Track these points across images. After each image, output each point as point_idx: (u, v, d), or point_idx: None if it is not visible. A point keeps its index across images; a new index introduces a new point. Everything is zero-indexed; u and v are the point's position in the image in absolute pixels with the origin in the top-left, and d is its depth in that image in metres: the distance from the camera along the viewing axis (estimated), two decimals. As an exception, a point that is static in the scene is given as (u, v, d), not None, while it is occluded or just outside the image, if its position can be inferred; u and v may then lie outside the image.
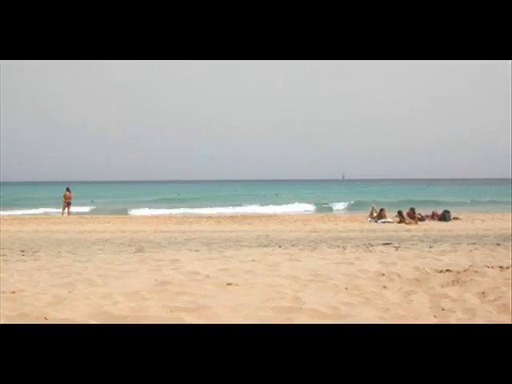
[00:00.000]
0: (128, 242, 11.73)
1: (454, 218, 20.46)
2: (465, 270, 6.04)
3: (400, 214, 18.94)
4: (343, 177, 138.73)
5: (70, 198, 26.78)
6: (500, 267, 6.27)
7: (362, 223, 18.87)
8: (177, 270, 6.57)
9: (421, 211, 20.51)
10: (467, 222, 18.93)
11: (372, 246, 9.90)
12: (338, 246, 9.81)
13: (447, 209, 21.43)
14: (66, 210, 26.67)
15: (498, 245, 9.70)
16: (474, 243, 10.20)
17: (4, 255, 8.72)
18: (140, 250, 9.70)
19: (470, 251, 8.52)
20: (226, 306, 4.57)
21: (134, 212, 31.41)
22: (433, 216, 20.74)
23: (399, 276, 5.92)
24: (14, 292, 5.16)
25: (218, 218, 22.81)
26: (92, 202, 40.82)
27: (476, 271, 5.97)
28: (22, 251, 9.47)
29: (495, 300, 4.76)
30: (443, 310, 4.56)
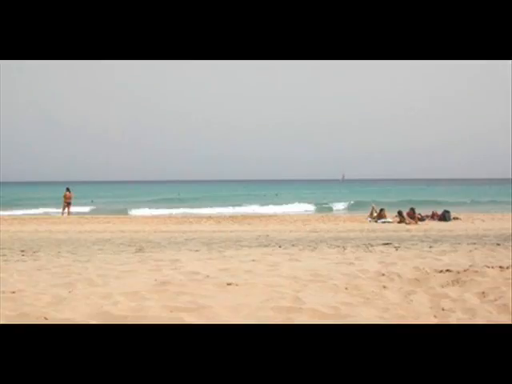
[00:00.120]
0: (128, 241, 11.73)
1: (454, 218, 20.46)
2: (465, 270, 6.04)
3: (400, 213, 18.94)
4: (343, 177, 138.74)
5: (70, 197, 26.79)
6: (500, 267, 6.27)
7: (361, 223, 18.87)
8: (177, 270, 6.57)
9: (421, 211, 20.51)
10: (467, 222, 18.93)
11: (372, 245, 9.89)
12: (338, 246, 9.81)
13: (447, 209, 21.43)
14: (66, 209, 26.67)
15: (498, 245, 9.70)
16: (474, 243, 10.20)
17: (4, 255, 8.72)
18: (140, 249, 9.70)
19: (470, 251, 8.52)
20: (226, 305, 4.57)
21: (134, 212, 31.41)
22: (433, 216, 20.74)
23: (399, 276, 5.92)
24: (14, 292, 5.16)
25: (218, 218, 22.81)
26: (92, 202, 40.81)
27: (476, 271, 5.97)
28: (22, 251, 9.47)
29: (495, 300, 4.76)
30: (443, 310, 4.56)
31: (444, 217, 20.28)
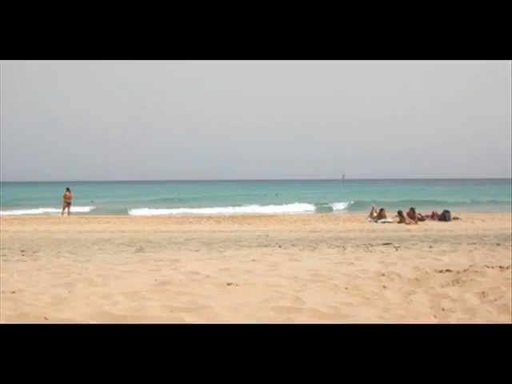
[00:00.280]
0: (128, 241, 11.73)
1: (454, 218, 20.46)
2: (465, 270, 6.04)
3: (400, 213, 18.94)
4: (343, 177, 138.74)
5: (70, 197, 26.79)
6: (500, 267, 6.27)
7: (362, 223, 18.87)
8: (177, 270, 6.57)
9: (421, 211, 20.51)
10: (467, 222, 18.93)
11: (372, 245, 9.90)
12: (338, 246, 9.81)
13: (447, 209, 21.43)
14: (66, 209, 26.67)
15: (498, 245, 9.70)
16: (474, 243, 10.20)
17: (4, 255, 8.72)
18: (140, 249, 9.70)
19: (470, 251, 8.52)
20: (225, 305, 4.57)
21: (134, 212, 31.41)
22: (433, 216, 20.74)
23: (399, 276, 5.92)
24: (14, 292, 5.16)
25: (218, 218, 22.81)
26: (92, 202, 40.81)
27: (476, 271, 5.97)
28: (22, 251, 9.47)
29: (495, 300, 4.76)
30: (443, 310, 4.56)
31: (444, 217, 20.28)
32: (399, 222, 18.51)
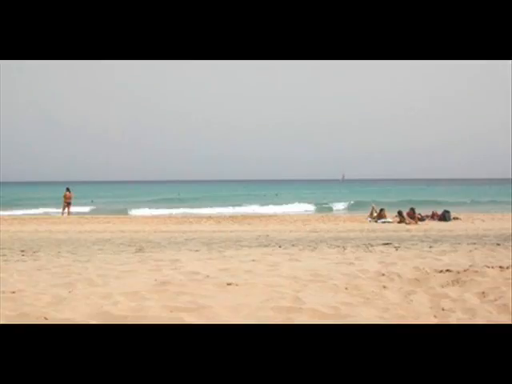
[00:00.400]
0: (128, 242, 11.73)
1: (454, 218, 20.46)
2: (465, 270, 6.04)
3: (400, 213, 18.94)
4: (343, 177, 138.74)
5: (70, 198, 26.79)
6: (500, 267, 6.27)
7: (362, 223, 18.87)
8: (177, 270, 6.57)
9: (421, 211, 20.51)
10: (467, 222, 18.93)
11: (372, 245, 9.90)
12: (338, 246, 9.81)
13: (447, 209, 21.43)
14: (66, 209, 26.68)
15: (498, 245, 9.70)
16: (474, 243, 10.20)
17: (4, 255, 8.72)
18: (140, 249, 9.70)
19: (470, 251, 8.52)
20: (226, 305, 4.57)
21: (134, 212, 31.40)
22: (433, 216, 20.74)
23: (399, 276, 5.92)
24: (14, 292, 5.16)
25: (218, 218, 22.81)
26: (92, 202, 40.81)
27: (476, 271, 5.97)
28: (22, 251, 9.47)
29: (495, 300, 4.76)
30: (443, 310, 4.56)
31: (444, 217, 20.28)
32: (399, 222, 18.51)
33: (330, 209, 35.69)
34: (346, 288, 5.36)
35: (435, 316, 4.40)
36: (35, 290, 5.32)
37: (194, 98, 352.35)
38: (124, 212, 30.92)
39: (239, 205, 37.14)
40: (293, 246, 10.19)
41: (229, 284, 5.50)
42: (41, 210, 32.98)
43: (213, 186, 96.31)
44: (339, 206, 36.99)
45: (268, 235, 13.43)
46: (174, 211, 31.50)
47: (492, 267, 6.29)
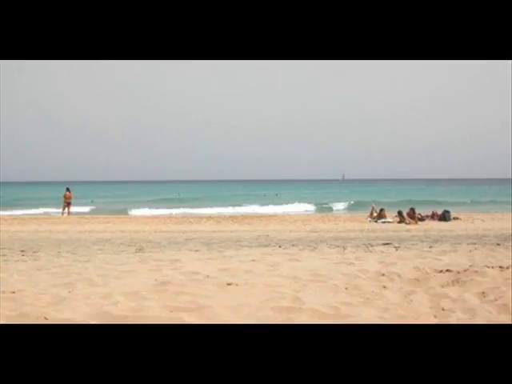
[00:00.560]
0: (128, 242, 11.73)
1: (454, 218, 20.46)
2: (465, 270, 6.04)
3: (400, 213, 18.94)
4: (343, 177, 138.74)
5: (70, 197, 26.79)
6: (500, 267, 6.27)
7: (362, 223, 18.87)
8: (177, 270, 6.57)
9: (421, 211, 20.51)
10: (467, 222, 18.93)
11: (372, 245, 9.90)
12: (338, 246, 9.81)
13: (447, 209, 21.43)
14: (66, 209, 26.68)
15: (498, 245, 9.70)
16: (474, 243, 10.20)
17: (4, 255, 8.72)
18: (140, 250, 9.70)
19: (470, 251, 8.52)
20: (226, 305, 4.57)
21: (134, 212, 31.40)
22: (433, 216, 20.74)
23: (399, 276, 5.92)
24: (14, 292, 5.16)
25: (218, 218, 22.81)
26: (92, 202, 40.81)
27: (476, 271, 5.97)
28: (22, 251, 9.47)
29: (495, 300, 4.76)
30: (443, 310, 4.56)
31: (444, 217, 20.28)
32: (399, 222, 18.51)
33: (330, 209, 35.69)
34: (346, 288, 5.36)
35: (435, 316, 4.40)
36: (35, 289, 5.32)
37: (193, 97, 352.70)
38: (124, 212, 30.92)
39: (239, 205, 37.14)
40: (293, 245, 10.19)
41: (229, 284, 5.50)
42: (41, 210, 32.98)
43: (213, 186, 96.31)
44: (339, 206, 36.99)
45: (268, 235, 13.43)
46: (174, 211, 31.50)
47: (492, 267, 6.29)
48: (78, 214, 27.42)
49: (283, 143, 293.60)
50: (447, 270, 6.06)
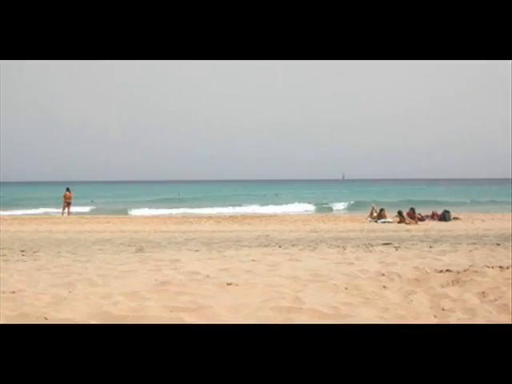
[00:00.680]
0: (128, 241, 11.73)
1: (454, 218, 20.46)
2: (465, 270, 6.04)
3: (400, 213, 18.94)
4: (343, 177, 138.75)
5: (70, 197, 26.79)
6: (500, 267, 6.27)
7: (362, 223, 18.87)
8: (177, 270, 6.57)
9: (421, 211, 20.51)
10: (467, 222, 18.93)
11: (372, 245, 9.90)
12: (338, 246, 9.81)
13: (447, 209, 21.43)
14: (66, 209, 26.68)
15: (498, 245, 9.70)
16: (474, 243, 10.20)
17: (4, 255, 8.72)
18: (140, 249, 9.70)
19: (470, 251, 8.52)
20: (226, 305, 4.57)
21: (134, 212, 31.41)
22: (433, 216, 20.74)
23: (399, 276, 5.92)
24: (14, 292, 5.16)
25: (218, 218, 22.81)
26: (92, 202, 40.81)
27: (476, 271, 5.97)
28: (22, 251, 9.47)
29: (495, 300, 4.76)
30: (443, 310, 4.56)
31: (444, 217, 20.28)
32: (399, 222, 18.51)
33: (330, 209, 35.69)
34: (346, 288, 5.36)
35: (435, 316, 4.40)
36: (35, 289, 5.32)
37: (193, 97, 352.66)
38: (124, 212, 30.93)
39: (239, 205, 37.14)
40: (293, 245, 10.19)
41: (229, 284, 5.50)
42: (41, 210, 32.98)
43: (213, 186, 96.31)
44: (339, 206, 37.00)
45: (268, 235, 13.43)
46: (174, 211, 31.50)
47: (492, 267, 6.29)
48: (77, 213, 27.43)
49: (283, 143, 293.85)
50: (447, 270, 6.06)
